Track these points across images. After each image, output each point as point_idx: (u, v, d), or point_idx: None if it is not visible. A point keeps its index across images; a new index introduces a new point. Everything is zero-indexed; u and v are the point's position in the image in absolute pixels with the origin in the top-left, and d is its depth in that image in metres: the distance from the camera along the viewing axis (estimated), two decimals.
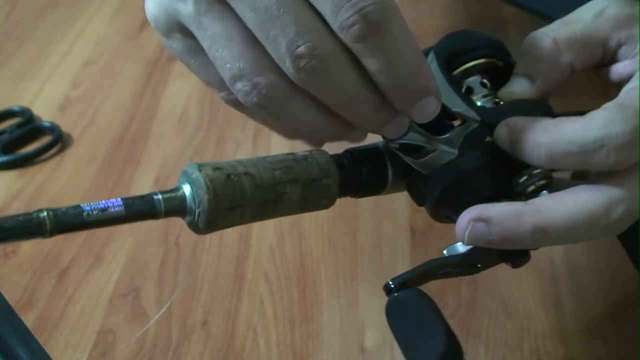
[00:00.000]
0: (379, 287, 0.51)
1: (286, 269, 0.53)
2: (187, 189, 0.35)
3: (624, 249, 0.40)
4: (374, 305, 0.50)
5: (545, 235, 0.34)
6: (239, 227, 0.56)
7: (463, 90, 0.39)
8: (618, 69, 0.39)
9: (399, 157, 0.38)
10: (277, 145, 0.65)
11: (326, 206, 0.38)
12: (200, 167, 0.35)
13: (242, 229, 0.57)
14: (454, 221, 0.38)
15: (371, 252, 0.54)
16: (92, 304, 0.51)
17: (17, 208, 0.60)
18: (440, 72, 0.38)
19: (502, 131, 0.37)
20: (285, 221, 0.57)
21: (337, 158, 0.38)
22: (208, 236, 0.56)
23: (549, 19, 0.81)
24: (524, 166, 0.37)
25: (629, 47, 0.38)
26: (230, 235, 0.56)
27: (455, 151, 0.37)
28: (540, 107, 0.38)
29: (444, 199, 0.38)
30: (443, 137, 0.37)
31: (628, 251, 0.40)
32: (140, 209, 0.33)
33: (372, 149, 0.39)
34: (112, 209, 0.33)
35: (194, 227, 0.35)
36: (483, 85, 0.39)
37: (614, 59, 0.39)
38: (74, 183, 0.62)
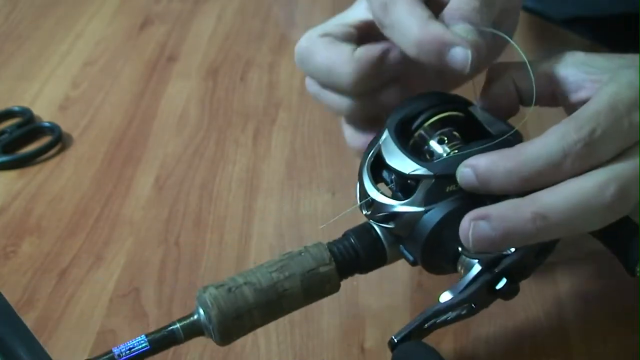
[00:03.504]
0: (379, 288, 0.51)
1: None
2: (201, 311, 0.39)
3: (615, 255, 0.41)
4: (374, 305, 0.50)
5: (546, 221, 0.36)
6: (239, 226, 0.57)
7: (426, 149, 0.41)
8: (579, 95, 0.41)
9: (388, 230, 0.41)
10: (277, 145, 0.65)
11: (332, 290, 0.42)
12: (205, 288, 0.39)
13: (242, 228, 0.57)
14: (449, 270, 0.41)
15: None
16: (92, 304, 0.51)
17: (17, 208, 0.60)
18: (392, 141, 0.41)
19: (465, 173, 0.38)
20: (285, 221, 0.57)
21: (330, 245, 0.41)
22: (208, 236, 0.57)
23: (549, 19, 0.81)
24: (492, 201, 0.38)
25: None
26: (230, 235, 0.56)
27: (421, 209, 0.39)
28: (495, 147, 0.39)
29: (428, 254, 0.40)
30: (408, 199, 0.39)
31: (617, 254, 0.41)
32: (163, 341, 0.39)
33: (363, 227, 0.42)
34: (139, 347, 0.38)
35: (214, 340, 0.40)
36: (442, 140, 0.41)
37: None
38: (74, 183, 0.62)
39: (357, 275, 0.52)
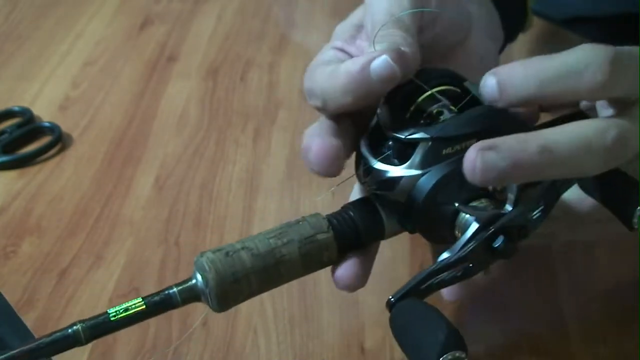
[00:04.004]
0: (378, 287, 0.51)
1: None
2: (198, 276, 0.39)
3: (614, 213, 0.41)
4: (374, 305, 0.50)
5: (551, 154, 0.36)
6: (239, 226, 0.57)
7: (422, 122, 0.41)
8: None
9: (386, 198, 0.41)
10: (277, 145, 0.65)
11: (330, 259, 0.41)
12: (202, 253, 0.39)
13: (242, 228, 0.57)
14: (446, 236, 0.41)
15: None
16: (92, 304, 0.51)
17: (17, 208, 0.60)
18: (390, 111, 0.41)
19: (489, 80, 0.38)
20: (285, 221, 0.57)
21: (328, 216, 0.42)
22: (208, 236, 0.57)
23: (549, 19, 0.81)
24: None
25: None
26: (230, 235, 0.56)
27: (418, 172, 0.39)
28: (492, 112, 0.39)
29: (424, 217, 0.40)
30: (405, 164, 0.40)
31: (615, 211, 0.41)
32: (160, 305, 0.38)
33: (361, 200, 0.43)
34: (135, 308, 0.38)
35: (211, 306, 0.39)
36: (440, 113, 0.41)
37: None
38: (74, 183, 0.62)
39: None
